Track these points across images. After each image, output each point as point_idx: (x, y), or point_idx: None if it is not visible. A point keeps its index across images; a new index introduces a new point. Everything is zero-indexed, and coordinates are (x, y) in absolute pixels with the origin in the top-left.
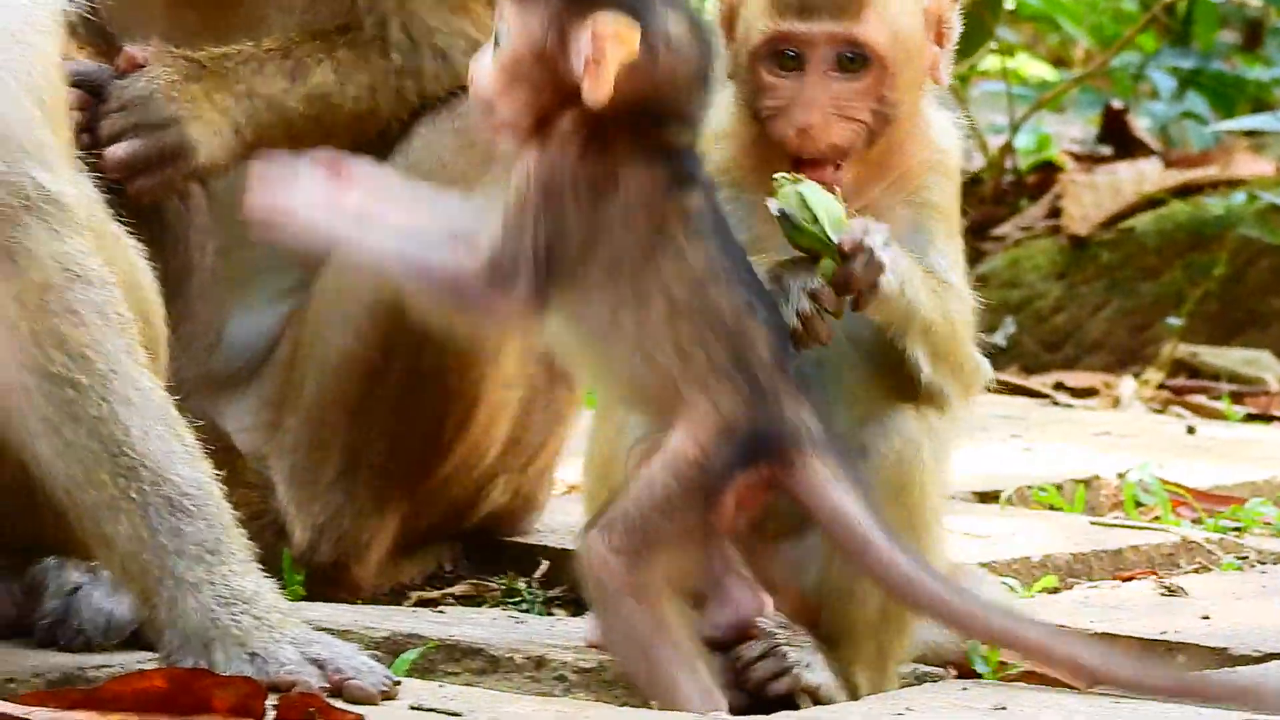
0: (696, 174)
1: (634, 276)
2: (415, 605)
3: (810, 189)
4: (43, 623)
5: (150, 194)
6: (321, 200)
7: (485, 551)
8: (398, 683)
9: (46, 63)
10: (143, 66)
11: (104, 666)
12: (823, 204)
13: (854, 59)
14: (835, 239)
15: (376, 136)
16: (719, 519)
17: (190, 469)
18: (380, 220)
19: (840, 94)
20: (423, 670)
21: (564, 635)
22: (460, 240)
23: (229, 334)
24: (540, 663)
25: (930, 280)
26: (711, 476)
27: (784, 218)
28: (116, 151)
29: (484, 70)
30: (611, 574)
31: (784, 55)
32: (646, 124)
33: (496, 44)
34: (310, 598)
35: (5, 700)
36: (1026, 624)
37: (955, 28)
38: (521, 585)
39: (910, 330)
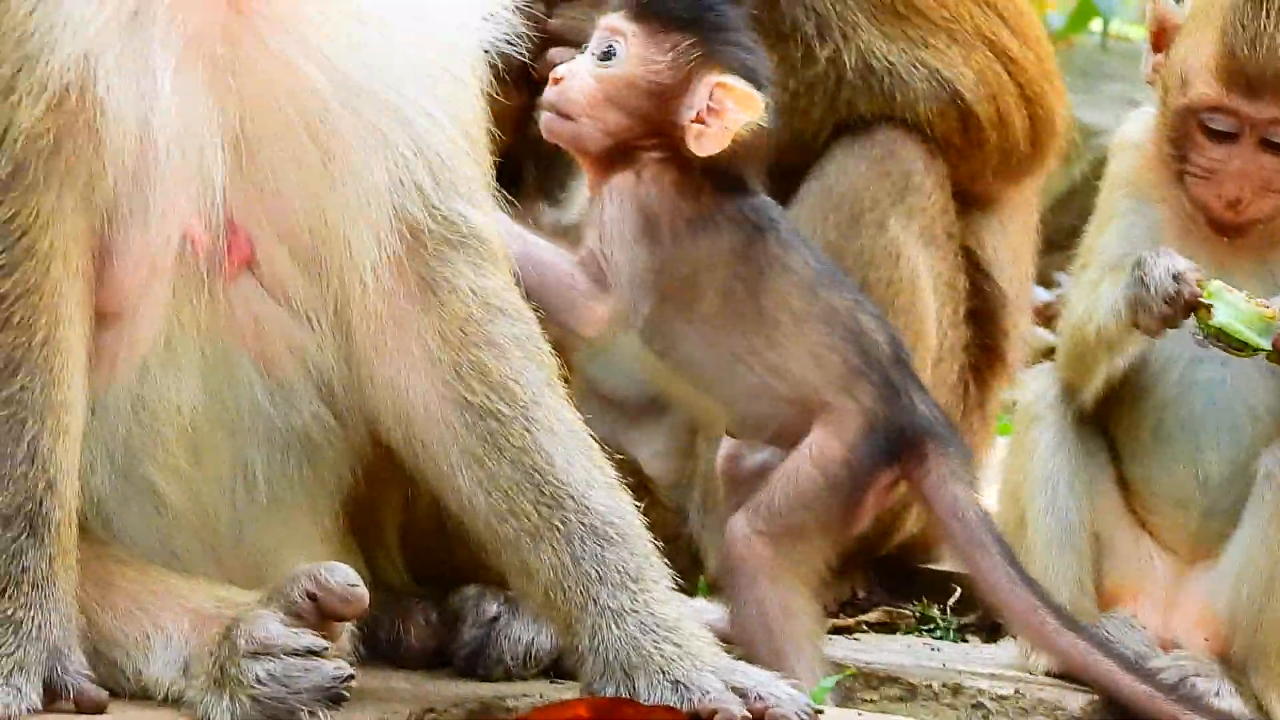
0: (770, 206)
1: (752, 300)
2: (831, 632)
3: (1231, 301)
4: (462, 652)
5: None
6: None
7: (898, 578)
8: (819, 711)
9: (473, 96)
10: None
11: (524, 696)
12: (1246, 311)
13: None
14: (1265, 343)
15: (800, 147)
16: (860, 513)
17: (611, 497)
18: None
19: (1269, 169)
20: (840, 697)
21: (979, 661)
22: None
23: (606, 355)
24: (957, 690)
25: None
26: (858, 473)
27: (1220, 334)
28: None
29: (581, 79)
30: (753, 554)
31: (1219, 121)
32: (735, 170)
33: (603, 58)
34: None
35: None
36: (1096, 650)
37: None
38: (935, 612)
39: None
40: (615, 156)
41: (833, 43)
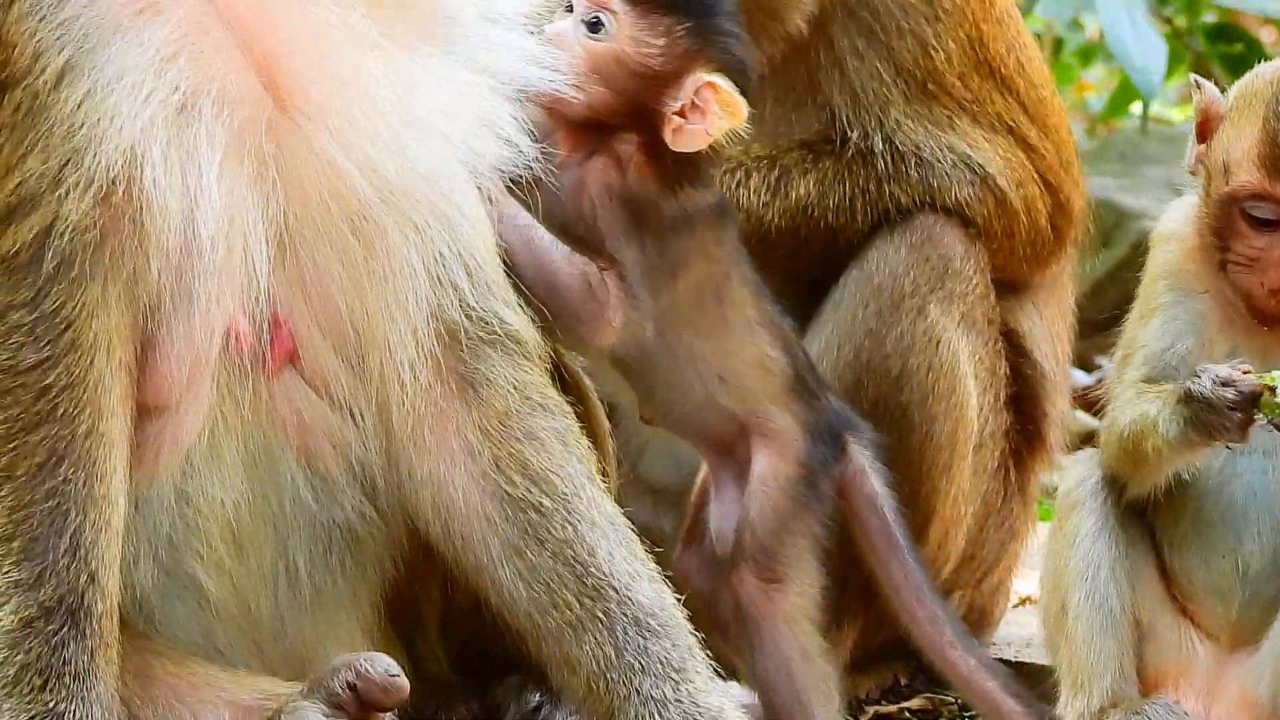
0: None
1: (717, 304)
2: (872, 719)
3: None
4: None
5: None
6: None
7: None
8: None
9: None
10: None
11: None
12: None
13: None
14: None
15: (839, 236)
16: (834, 514)
17: (653, 589)
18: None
19: None
20: None
21: None
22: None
23: (654, 443)
24: None
25: None
26: (818, 481)
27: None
28: None
29: (569, 45)
30: (763, 603)
31: (1261, 209)
32: (704, 165)
33: (592, 29)
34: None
35: None
36: (983, 669)
37: None
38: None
39: None
40: (591, 130)
41: (860, 126)
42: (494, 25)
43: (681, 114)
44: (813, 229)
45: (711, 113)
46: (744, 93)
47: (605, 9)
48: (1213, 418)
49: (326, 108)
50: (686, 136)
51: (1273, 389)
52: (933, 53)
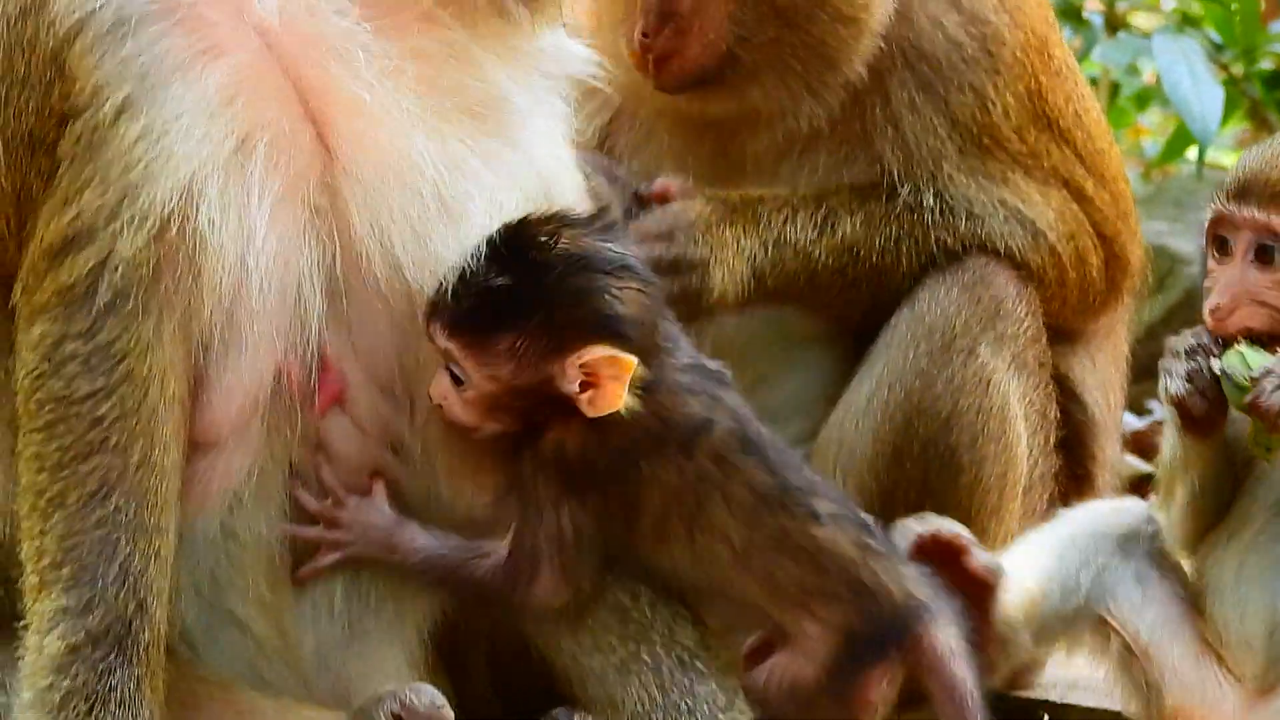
0: (707, 422)
1: (688, 537)
2: None
3: (1254, 351)
4: None
5: None
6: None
7: (986, 705)
8: None
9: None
10: (667, 199)
11: None
12: (1260, 361)
13: (1272, 249)
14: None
15: (886, 296)
16: (862, 710)
17: (697, 630)
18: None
19: (1257, 282)
20: None
21: None
22: (479, 551)
23: None
24: None
25: None
26: (840, 685)
27: (1224, 375)
28: None
29: (454, 406)
30: None
31: (1222, 238)
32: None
33: (456, 383)
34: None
35: None
36: None
37: None
38: None
39: None
40: (525, 433)
41: (912, 181)
42: (543, 119)
43: (584, 389)
44: (860, 270)
45: (605, 379)
46: (622, 335)
47: (453, 361)
48: (1171, 365)
49: (372, 176)
50: (601, 402)
51: (1231, 377)
52: (990, 106)
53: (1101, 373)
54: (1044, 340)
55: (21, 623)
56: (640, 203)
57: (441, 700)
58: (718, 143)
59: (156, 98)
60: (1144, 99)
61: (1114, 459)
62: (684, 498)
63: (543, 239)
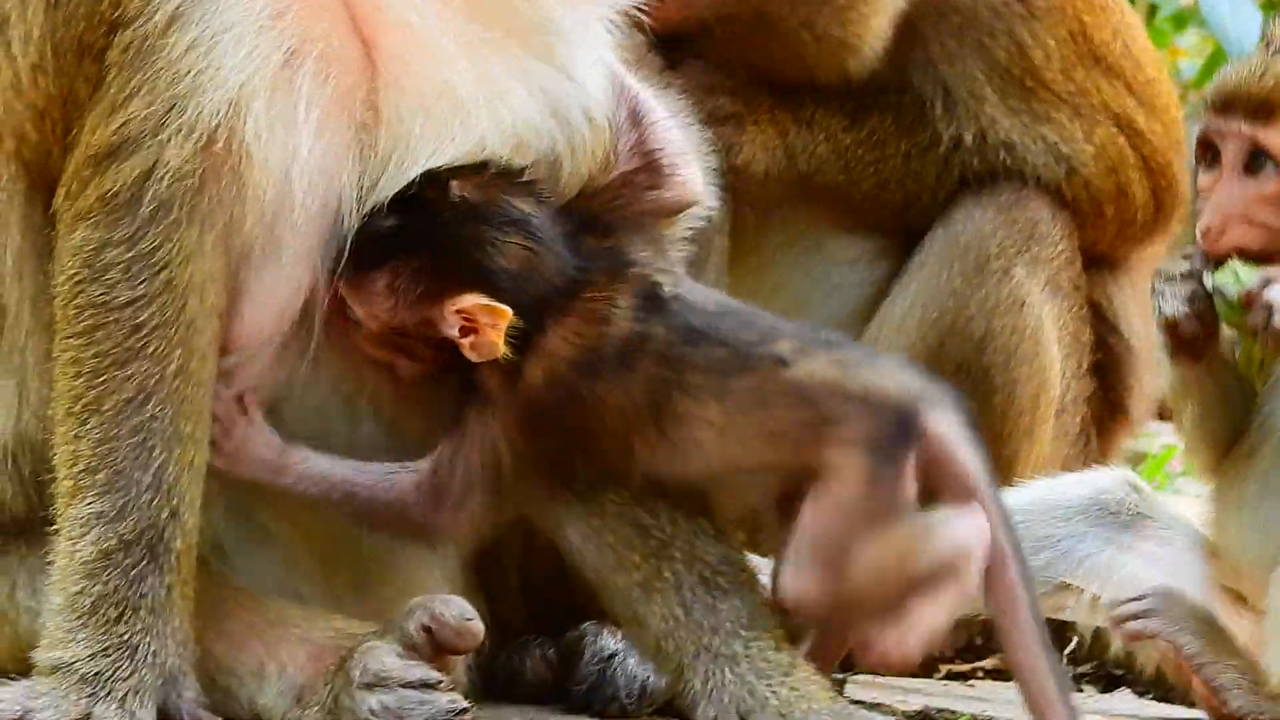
0: (638, 335)
1: (664, 437)
2: (945, 679)
3: (1247, 268)
4: (578, 689)
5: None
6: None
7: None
8: None
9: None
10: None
11: None
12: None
13: (1260, 162)
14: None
15: (919, 207)
16: (903, 497)
17: (719, 547)
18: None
19: (1247, 197)
20: None
21: (1094, 711)
22: (398, 474)
23: None
24: None
25: None
26: (880, 491)
27: (1216, 292)
28: None
29: (360, 341)
30: (813, 607)
31: (1210, 153)
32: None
33: (349, 316)
34: (840, 669)
35: None
36: (1057, 690)
37: None
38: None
39: None
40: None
41: (956, 121)
42: (590, 45)
43: (464, 334)
44: (891, 170)
45: (484, 327)
46: (495, 285)
47: (344, 298)
48: (1179, 320)
49: (410, 98)
50: (482, 349)
51: (1223, 293)
52: (1030, 51)
53: (1141, 299)
54: (1079, 264)
55: (52, 527)
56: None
57: (472, 612)
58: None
59: (206, 9)
60: (1181, 20)
61: (1150, 386)
62: (639, 407)
63: (445, 186)
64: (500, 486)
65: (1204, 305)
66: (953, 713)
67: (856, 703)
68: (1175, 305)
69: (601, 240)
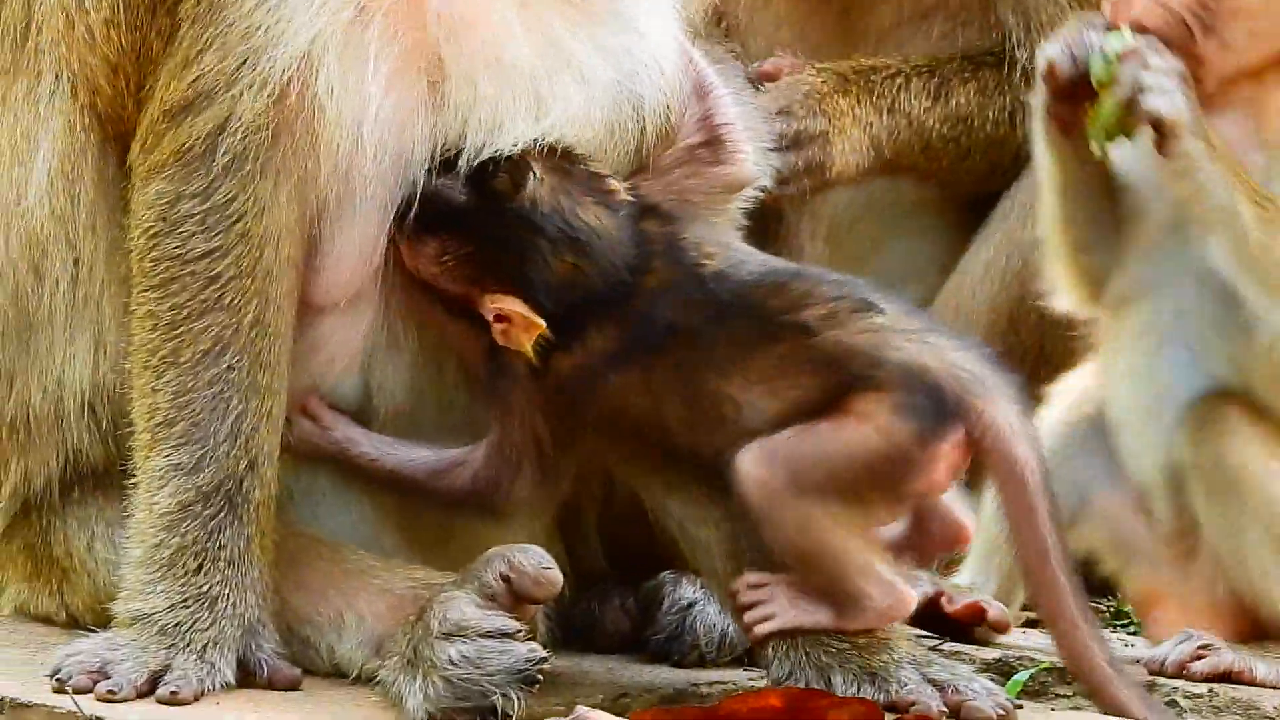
0: (670, 325)
1: (690, 407)
2: (1023, 626)
3: (1124, 36)
4: (656, 638)
5: (781, 203)
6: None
7: (1094, 573)
8: (1018, 705)
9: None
10: (776, 78)
11: (716, 683)
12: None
13: None
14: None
15: (1000, 170)
16: (929, 486)
17: None
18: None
19: None
20: (1033, 693)
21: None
22: (455, 461)
23: None
24: (1151, 687)
25: (1247, 186)
26: (904, 456)
27: (1099, 51)
28: None
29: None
30: (769, 489)
31: None
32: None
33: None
34: (910, 622)
35: (619, 716)
36: (1109, 666)
37: None
38: (1130, 608)
39: (1206, 209)
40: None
41: (1030, 47)
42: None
43: (498, 320)
44: (974, 140)
45: (516, 328)
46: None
47: (394, 239)
48: (1055, 62)
49: (467, 57)
50: (510, 340)
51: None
52: None
53: None
54: None
55: (130, 480)
56: (751, 85)
57: (550, 561)
58: (836, 9)
59: None
60: None
61: None
62: (667, 387)
63: (523, 176)
64: (545, 458)
65: (1085, 58)
66: (1032, 660)
67: (934, 650)
68: (1058, 49)
69: (662, 226)
